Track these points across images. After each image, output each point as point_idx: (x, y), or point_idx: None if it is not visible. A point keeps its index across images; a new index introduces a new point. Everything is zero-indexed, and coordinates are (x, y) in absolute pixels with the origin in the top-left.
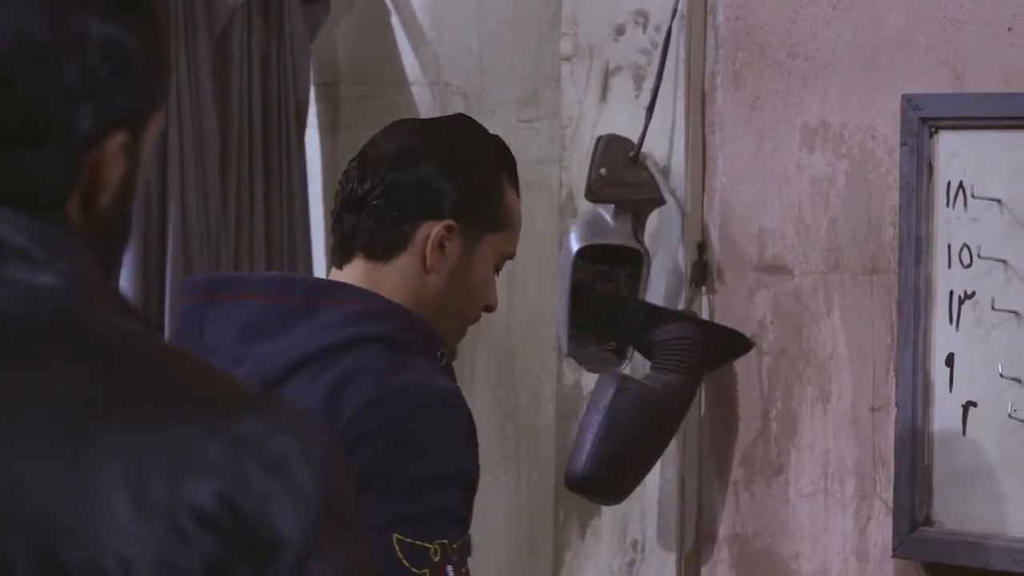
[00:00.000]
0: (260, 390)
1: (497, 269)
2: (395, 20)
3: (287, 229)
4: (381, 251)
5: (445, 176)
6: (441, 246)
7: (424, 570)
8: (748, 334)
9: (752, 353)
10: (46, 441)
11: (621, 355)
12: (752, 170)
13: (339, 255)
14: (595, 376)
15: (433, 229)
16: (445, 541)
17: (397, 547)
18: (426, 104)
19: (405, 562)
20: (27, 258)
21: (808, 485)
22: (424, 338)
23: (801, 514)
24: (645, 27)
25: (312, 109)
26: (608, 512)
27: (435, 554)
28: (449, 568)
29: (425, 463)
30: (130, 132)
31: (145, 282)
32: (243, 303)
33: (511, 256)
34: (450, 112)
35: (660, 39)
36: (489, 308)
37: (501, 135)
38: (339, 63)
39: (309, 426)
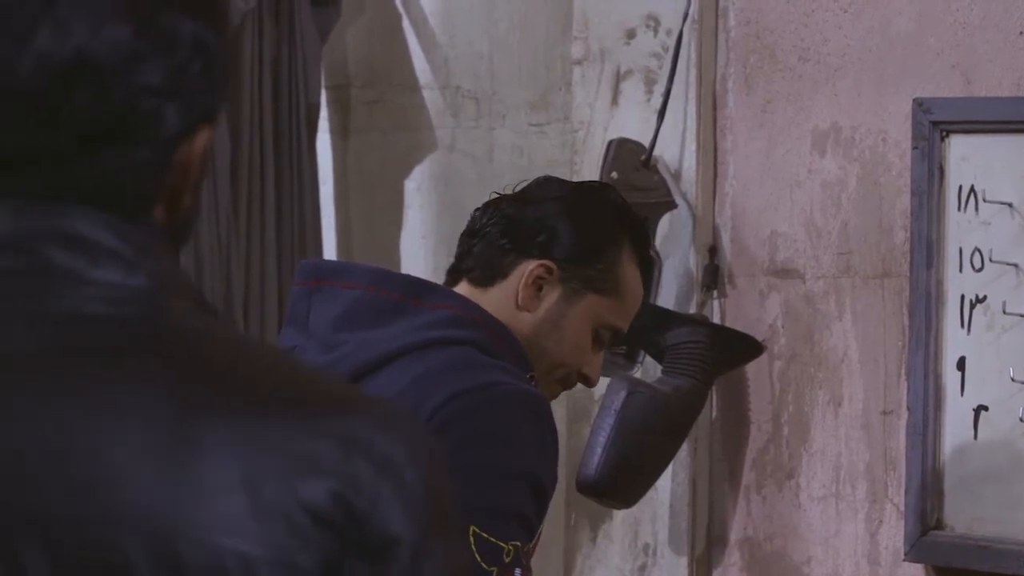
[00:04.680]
0: (358, 389)
1: (598, 339)
2: (406, 23)
3: (298, 233)
4: (483, 277)
5: (561, 219)
6: (538, 287)
7: (493, 568)
8: (759, 338)
9: (763, 357)
10: (153, 443)
11: (632, 359)
12: (763, 174)
13: (449, 277)
14: (606, 380)
15: (534, 267)
16: (518, 543)
17: (472, 539)
18: (437, 107)
19: (477, 556)
20: (119, 259)
21: (819, 489)
22: (515, 354)
23: (812, 518)
24: (656, 31)
25: (323, 113)
26: (619, 515)
27: (507, 555)
28: (517, 572)
29: (506, 461)
30: (211, 129)
31: None
32: (344, 292)
33: (615, 330)
34: (460, 115)
35: (671, 43)
36: (585, 379)
37: (511, 139)
38: (350, 66)
39: (413, 426)
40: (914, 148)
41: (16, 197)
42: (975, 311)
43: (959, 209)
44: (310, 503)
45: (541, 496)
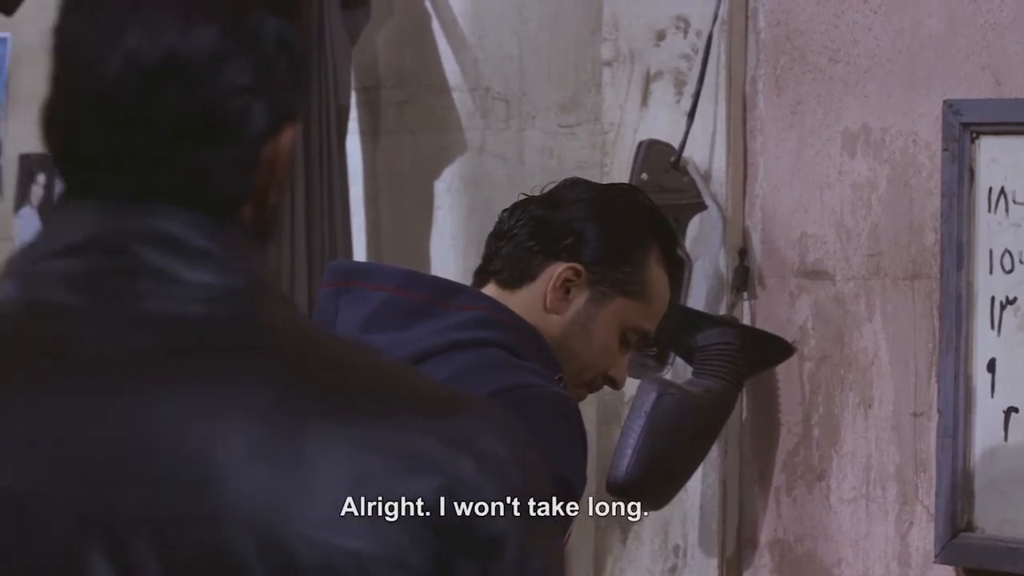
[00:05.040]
0: (455, 389)
1: (625, 342)
2: (435, 25)
3: (328, 234)
4: (511, 279)
5: (589, 222)
6: (566, 290)
7: None
8: (789, 339)
9: (793, 358)
10: (259, 443)
11: (662, 360)
12: (793, 175)
13: (476, 279)
14: (636, 381)
15: (562, 269)
16: None
17: None
18: (466, 109)
19: None
20: (211, 259)
21: (850, 491)
22: (543, 356)
23: (843, 519)
24: (686, 32)
25: (353, 114)
26: (649, 517)
27: None
28: None
29: None
30: (294, 127)
31: None
32: (373, 293)
33: (642, 333)
34: (490, 117)
35: (701, 44)
36: (612, 382)
37: (541, 140)
38: (379, 68)
39: (512, 425)
40: (944, 150)
41: (105, 197)
42: (1005, 312)
43: (989, 211)
44: (419, 501)
45: (572, 498)
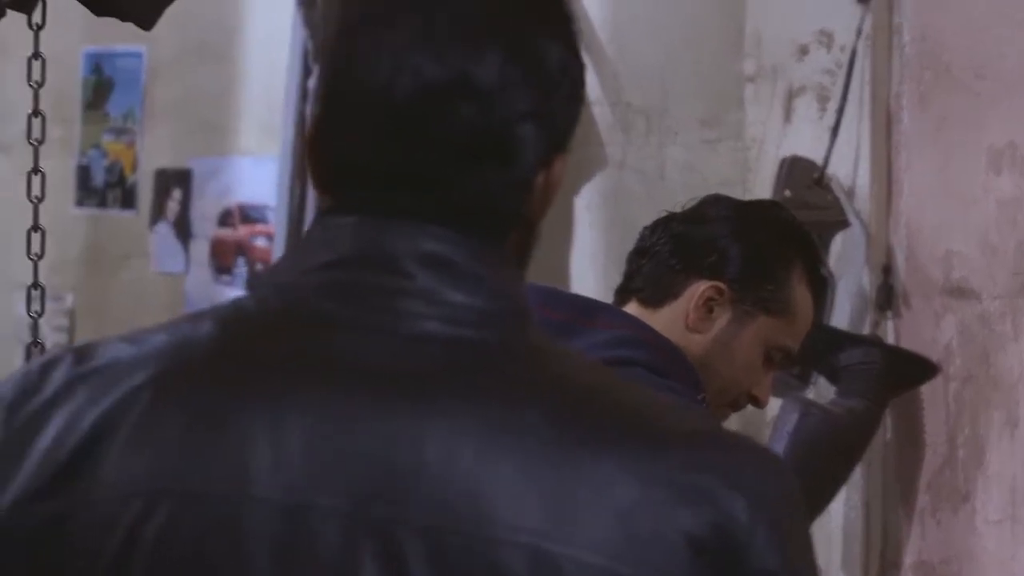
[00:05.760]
0: (718, 423)
1: (769, 360)
2: None
3: None
4: (653, 297)
5: (732, 239)
6: (709, 308)
7: None
8: (934, 359)
9: (938, 378)
10: (529, 468)
11: (805, 380)
12: (938, 192)
13: (618, 297)
14: (778, 401)
15: (705, 287)
16: None
17: None
18: (607, 124)
19: None
20: (479, 282)
21: (995, 512)
22: (686, 375)
23: (988, 542)
24: (829, 47)
25: None
26: None
27: None
28: None
29: None
30: (565, 158)
31: None
32: None
33: (786, 351)
34: (631, 131)
35: (844, 59)
36: (755, 401)
37: (682, 156)
38: None
39: (780, 466)
40: None
41: (382, 215)
42: None
43: None
44: (691, 532)
45: None
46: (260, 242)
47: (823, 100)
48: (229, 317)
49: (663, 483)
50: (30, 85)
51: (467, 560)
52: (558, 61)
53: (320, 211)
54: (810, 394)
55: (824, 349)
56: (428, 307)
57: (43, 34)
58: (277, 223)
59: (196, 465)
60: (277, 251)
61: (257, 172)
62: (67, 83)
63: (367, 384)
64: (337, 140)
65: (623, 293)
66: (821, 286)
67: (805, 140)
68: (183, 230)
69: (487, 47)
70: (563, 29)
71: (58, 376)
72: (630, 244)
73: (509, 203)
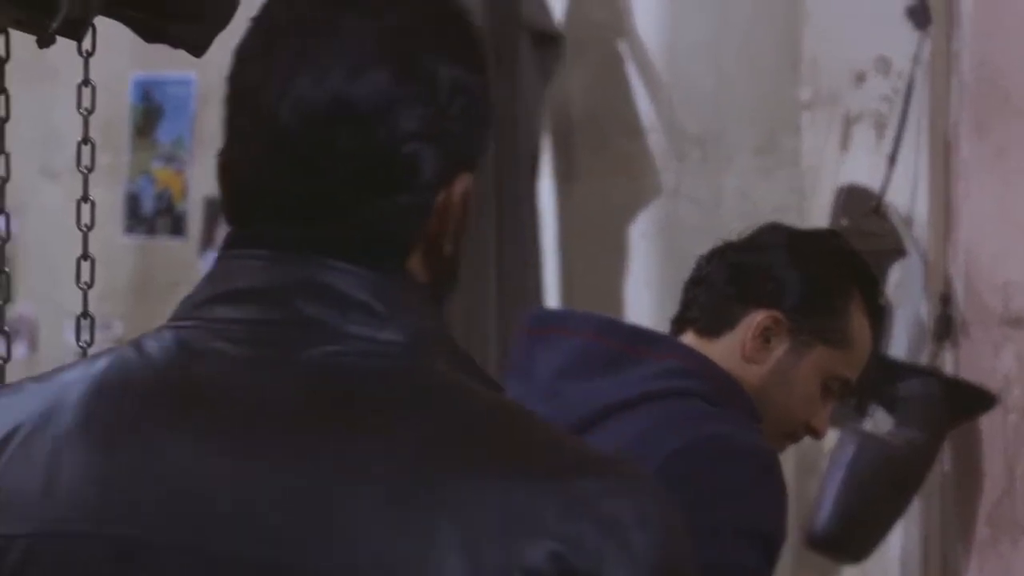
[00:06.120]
0: (600, 452)
1: (827, 391)
2: (629, 65)
3: (518, 278)
4: (710, 327)
5: (790, 268)
6: (766, 338)
7: None
8: (993, 389)
9: (997, 409)
10: (391, 497)
11: (862, 411)
12: (997, 221)
13: (674, 327)
14: (835, 432)
15: (762, 317)
16: None
17: None
18: (661, 151)
19: None
20: (371, 313)
21: None
22: (742, 406)
23: None
24: (887, 74)
25: (544, 157)
26: (849, 571)
27: None
28: None
29: (736, 516)
30: (471, 176)
31: None
32: (568, 340)
33: (844, 382)
34: (685, 159)
35: (902, 86)
36: (813, 432)
37: (737, 183)
38: (572, 110)
39: (648, 489)
40: None
41: (270, 246)
42: None
43: None
44: (529, 566)
45: (771, 552)
46: None
47: (880, 127)
48: (123, 356)
49: (505, 515)
50: (80, 112)
51: None
52: (450, 79)
53: (224, 243)
54: (867, 425)
55: (882, 380)
56: (315, 339)
57: (92, 60)
58: None
59: (49, 505)
60: None
61: None
62: (116, 110)
63: (243, 420)
64: (235, 172)
65: (679, 323)
66: (879, 316)
67: (862, 168)
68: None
69: (369, 67)
70: (457, 47)
71: None
72: (685, 273)
73: (405, 227)
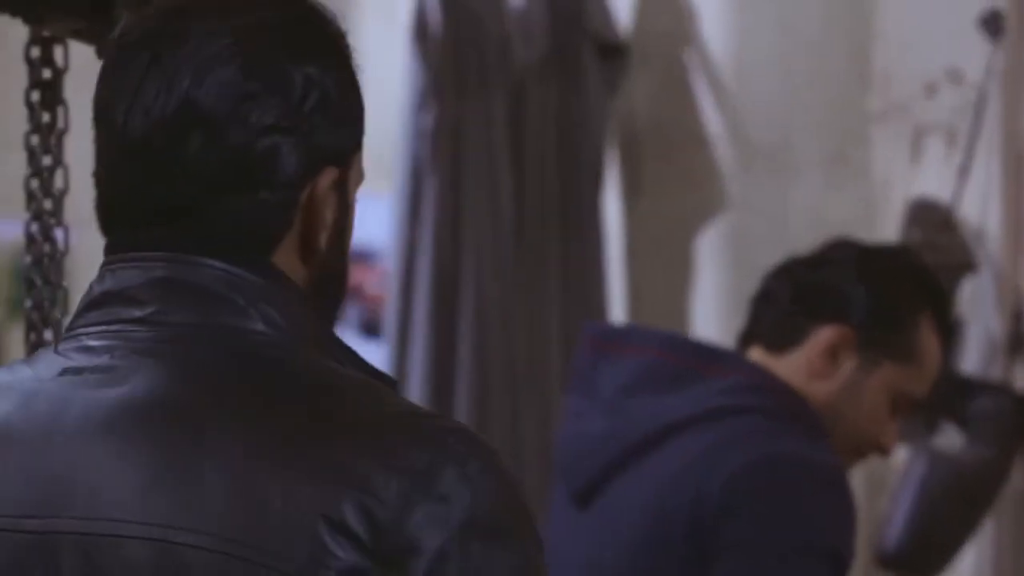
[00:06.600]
0: (429, 415)
1: (895, 408)
2: (696, 75)
3: (583, 292)
4: (776, 344)
5: (858, 284)
6: (834, 354)
7: None
8: None
9: None
10: (231, 468)
11: (932, 427)
12: None
13: (741, 343)
14: (905, 448)
15: (829, 333)
16: None
17: None
18: (727, 162)
19: None
20: (231, 306)
21: None
22: (809, 423)
23: None
24: (959, 85)
25: (610, 169)
26: None
27: None
28: None
29: (805, 534)
30: (340, 171)
31: (437, 343)
32: (632, 357)
33: (913, 399)
34: (753, 171)
35: (974, 97)
36: (881, 449)
37: (806, 196)
38: (638, 121)
39: (466, 441)
40: None
41: (135, 249)
42: None
43: None
44: (333, 516)
45: (840, 571)
46: (372, 283)
47: (952, 139)
48: (28, 361)
49: (315, 471)
50: None
51: (110, 560)
52: (303, 76)
53: (104, 252)
54: (938, 442)
55: (952, 396)
56: (149, 330)
57: None
58: (390, 264)
59: None
60: (390, 293)
61: (369, 212)
62: None
63: (98, 420)
64: (101, 184)
65: (746, 339)
66: (949, 332)
67: (933, 180)
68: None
69: (215, 69)
70: (309, 45)
71: None
72: (752, 285)
73: (267, 222)
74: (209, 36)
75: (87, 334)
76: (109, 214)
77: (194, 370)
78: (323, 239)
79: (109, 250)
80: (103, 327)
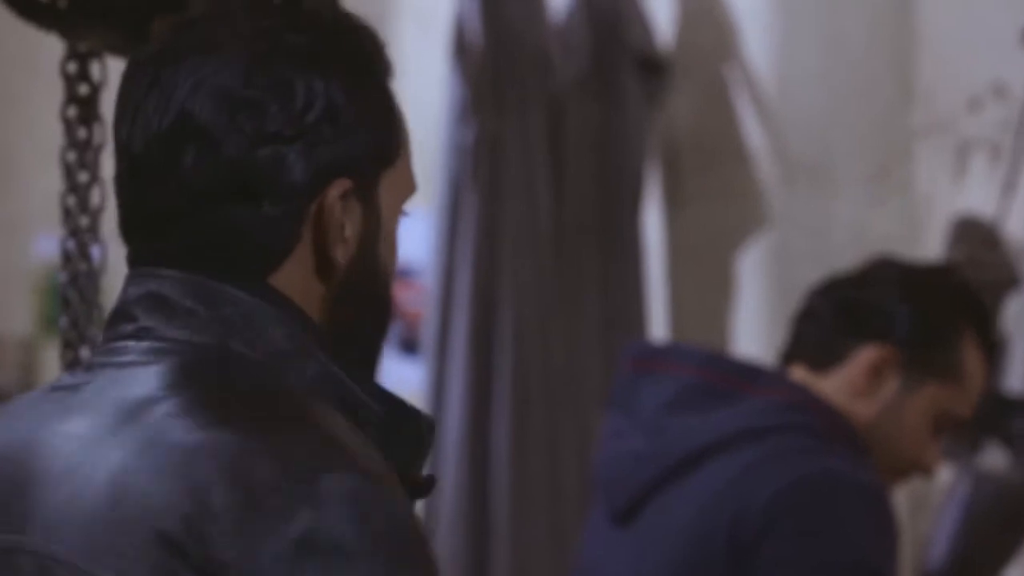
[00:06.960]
0: (335, 444)
1: (938, 428)
2: (737, 90)
3: (622, 306)
4: (818, 362)
5: (901, 303)
6: (877, 373)
7: None
8: None
9: None
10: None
11: (976, 446)
12: None
13: (783, 361)
14: (948, 468)
15: (872, 352)
16: None
17: None
18: (769, 178)
19: None
20: (194, 317)
21: None
22: (851, 442)
23: None
24: (1003, 99)
25: (650, 183)
26: None
27: None
28: None
29: (847, 554)
30: (354, 182)
31: (476, 360)
32: (672, 375)
33: (956, 420)
34: (795, 186)
35: (1019, 112)
36: (925, 469)
37: (848, 212)
38: (678, 134)
39: (324, 456)
40: None
41: (145, 264)
42: None
43: None
44: (163, 529)
45: None
46: (410, 300)
47: (996, 154)
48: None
49: (154, 481)
50: None
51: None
52: (305, 84)
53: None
54: (982, 462)
55: (996, 415)
56: (135, 344)
57: None
58: (428, 281)
59: None
60: (429, 310)
61: (408, 228)
62: None
63: (65, 426)
64: (117, 198)
65: (788, 357)
66: (993, 350)
67: (977, 196)
68: None
69: (212, 79)
70: (313, 55)
71: None
72: (793, 303)
73: (271, 234)
74: (212, 47)
75: (97, 351)
76: (123, 229)
77: (141, 386)
78: (340, 252)
79: (127, 265)
80: (109, 343)
